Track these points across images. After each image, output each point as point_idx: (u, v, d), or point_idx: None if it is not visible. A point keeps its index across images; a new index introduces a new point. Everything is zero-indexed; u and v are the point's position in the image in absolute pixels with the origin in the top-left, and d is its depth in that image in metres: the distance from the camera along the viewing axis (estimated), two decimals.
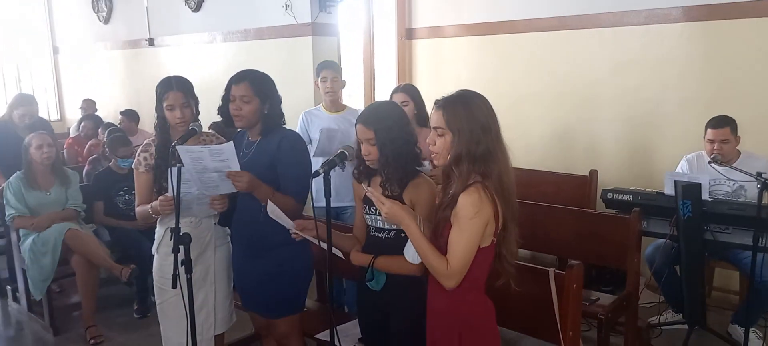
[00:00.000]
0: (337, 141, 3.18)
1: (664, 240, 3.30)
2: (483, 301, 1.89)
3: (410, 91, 3.40)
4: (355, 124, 2.09)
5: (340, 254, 2.11)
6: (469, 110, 1.75)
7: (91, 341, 3.72)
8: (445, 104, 1.78)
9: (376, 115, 2.07)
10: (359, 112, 3.64)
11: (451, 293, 1.81)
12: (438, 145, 1.79)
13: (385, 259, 2.02)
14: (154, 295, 3.94)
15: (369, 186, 1.99)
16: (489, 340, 1.90)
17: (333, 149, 3.18)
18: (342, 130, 3.38)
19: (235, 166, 2.22)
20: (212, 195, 2.36)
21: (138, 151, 2.63)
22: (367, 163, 2.08)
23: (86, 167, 4.90)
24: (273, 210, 2.07)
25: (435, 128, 1.79)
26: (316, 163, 3.30)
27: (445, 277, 1.76)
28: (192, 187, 2.34)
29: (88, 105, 6.72)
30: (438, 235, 1.82)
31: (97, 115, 6.26)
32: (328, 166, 1.95)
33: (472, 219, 1.70)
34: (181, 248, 2.13)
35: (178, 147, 2.19)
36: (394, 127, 2.03)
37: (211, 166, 2.20)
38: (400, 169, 2.01)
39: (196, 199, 2.40)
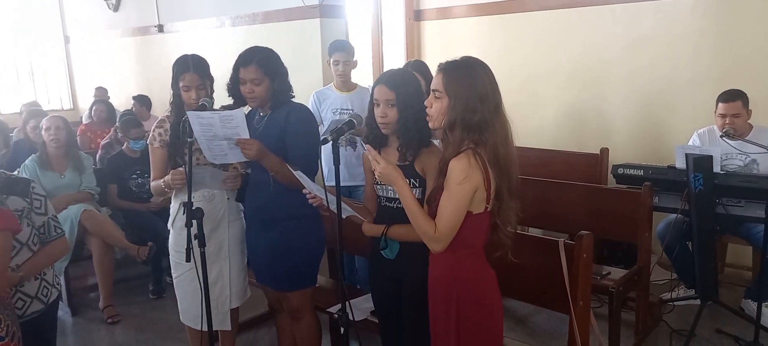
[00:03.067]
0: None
1: (676, 216, 3.29)
2: (481, 267, 1.89)
3: (420, 67, 3.39)
4: (374, 86, 2.09)
5: (358, 216, 2.09)
6: (469, 77, 1.75)
7: (109, 320, 3.79)
8: (447, 68, 1.78)
9: (398, 78, 2.08)
10: (367, 89, 3.63)
11: (449, 260, 1.84)
12: (434, 109, 1.80)
13: (397, 227, 2.03)
14: (168, 276, 4.05)
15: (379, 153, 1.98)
16: (487, 306, 1.90)
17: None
18: (352, 110, 3.38)
19: (245, 133, 2.23)
20: (227, 176, 2.35)
21: (153, 127, 2.66)
22: (381, 127, 2.07)
23: (99, 152, 4.96)
24: (301, 176, 2.07)
25: (433, 91, 1.80)
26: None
27: (432, 240, 1.79)
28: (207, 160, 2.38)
29: (101, 93, 6.79)
30: (431, 201, 1.83)
31: (108, 101, 6.32)
32: (337, 133, 1.95)
33: (460, 184, 1.71)
34: (194, 222, 2.17)
35: (188, 113, 2.21)
36: (415, 93, 2.05)
37: (220, 133, 2.22)
38: (418, 133, 2.00)
39: (210, 170, 2.42)
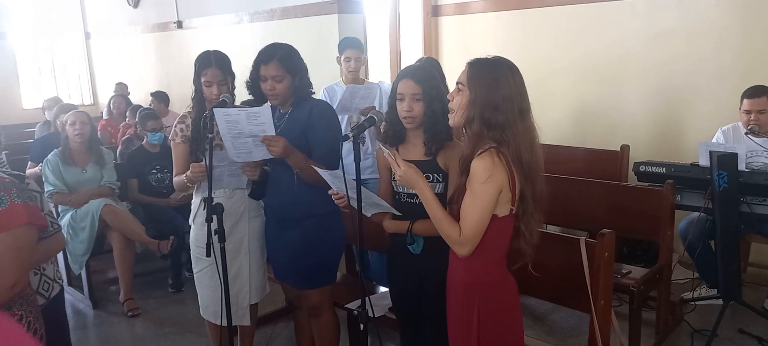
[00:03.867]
0: (358, 97, 3.18)
1: (698, 214, 3.24)
2: (502, 274, 1.84)
3: (433, 65, 3.38)
4: (397, 81, 2.08)
5: (389, 208, 2.06)
6: (494, 75, 1.71)
7: (129, 313, 3.84)
8: (475, 63, 1.76)
9: (423, 72, 2.08)
10: (377, 84, 3.59)
11: (470, 265, 1.79)
12: (455, 102, 1.77)
13: (422, 222, 2.01)
14: (188, 270, 4.09)
15: (395, 151, 1.96)
16: (507, 315, 1.85)
17: (353, 105, 3.19)
18: (361, 95, 3.35)
19: (271, 130, 2.22)
20: (244, 162, 2.36)
21: (175, 123, 2.68)
22: (405, 122, 2.06)
23: (120, 147, 5.02)
24: (327, 175, 2.06)
25: (458, 83, 1.77)
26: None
27: (457, 244, 1.73)
28: (224, 159, 2.38)
29: (121, 88, 6.90)
30: (453, 202, 1.79)
31: (125, 94, 6.42)
32: (358, 129, 1.95)
33: (484, 183, 1.66)
34: (214, 217, 2.17)
35: (214, 110, 2.20)
36: (439, 87, 2.07)
37: (246, 130, 2.20)
38: (445, 125, 1.98)
39: (228, 170, 2.42)
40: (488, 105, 1.69)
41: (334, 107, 3.25)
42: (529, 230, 1.77)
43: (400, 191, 2.14)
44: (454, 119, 1.80)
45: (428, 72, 2.10)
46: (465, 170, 1.73)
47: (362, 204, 1.97)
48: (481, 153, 1.70)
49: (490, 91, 1.69)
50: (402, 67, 5.59)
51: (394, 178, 2.13)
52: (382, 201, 2.03)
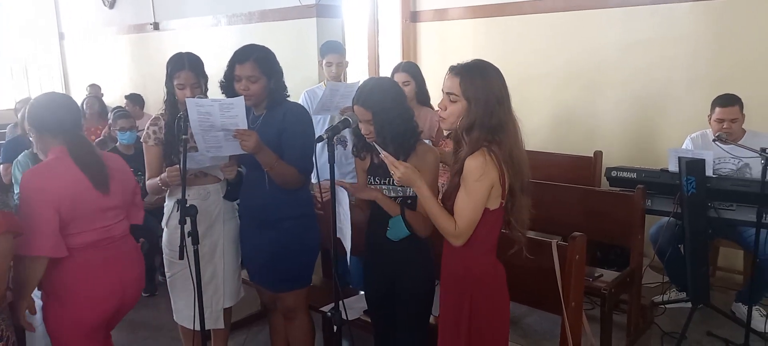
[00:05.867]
0: (339, 95, 3.18)
1: (668, 219, 3.31)
2: (493, 264, 1.95)
3: (411, 69, 3.40)
4: (353, 105, 2.10)
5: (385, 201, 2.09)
6: (485, 80, 1.79)
7: None
8: (462, 71, 1.81)
9: (372, 96, 2.07)
10: (357, 83, 3.61)
11: (465, 256, 1.90)
12: (449, 111, 1.83)
13: (411, 213, 2.08)
14: (161, 274, 4.03)
15: (380, 154, 1.98)
16: (498, 302, 1.97)
17: (333, 104, 3.19)
18: (342, 93, 3.35)
19: (244, 123, 2.19)
20: (216, 156, 2.33)
21: (147, 125, 2.64)
22: (368, 140, 2.11)
23: None
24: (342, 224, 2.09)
25: (448, 93, 1.83)
26: (317, 121, 3.30)
27: (453, 236, 1.86)
28: (200, 163, 2.35)
29: (94, 90, 6.77)
30: (447, 198, 1.90)
31: (99, 97, 6.31)
32: (332, 131, 1.96)
33: (477, 181, 1.78)
34: (188, 219, 2.15)
35: (186, 100, 2.18)
36: (392, 107, 2.06)
37: (219, 122, 2.18)
38: (398, 147, 2.04)
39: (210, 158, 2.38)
40: (486, 112, 1.78)
41: (315, 105, 3.26)
42: (518, 219, 1.92)
43: (378, 185, 2.15)
44: (446, 125, 1.88)
45: (379, 94, 2.08)
46: (459, 170, 1.81)
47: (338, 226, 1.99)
48: (473, 152, 1.78)
49: (486, 96, 1.77)
50: (379, 73, 5.67)
51: (371, 181, 2.14)
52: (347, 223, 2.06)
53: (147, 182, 2.64)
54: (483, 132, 1.78)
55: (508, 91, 1.85)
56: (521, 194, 1.88)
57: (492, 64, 1.86)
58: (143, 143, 2.63)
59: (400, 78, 3.29)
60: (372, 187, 2.12)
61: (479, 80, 1.79)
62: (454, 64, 1.85)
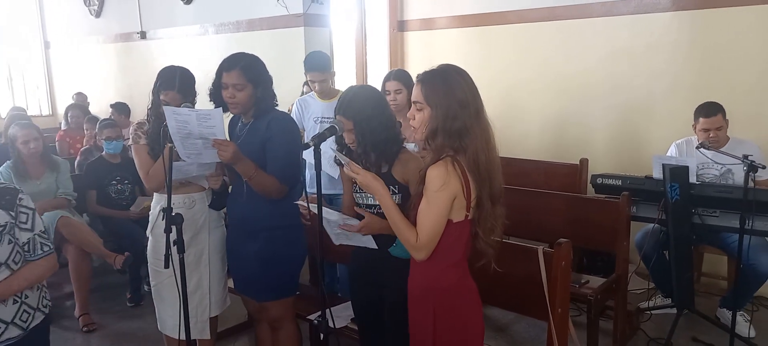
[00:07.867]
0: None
1: (653, 225, 3.34)
2: (461, 279, 1.86)
3: (403, 77, 3.40)
4: (334, 114, 2.10)
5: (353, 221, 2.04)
6: (447, 85, 1.74)
7: (84, 329, 3.72)
8: (424, 79, 1.78)
9: (353, 105, 2.07)
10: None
11: (428, 271, 1.83)
12: (417, 120, 1.79)
13: (378, 221, 2.02)
14: (147, 284, 3.99)
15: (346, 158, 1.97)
16: (466, 316, 1.87)
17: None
18: (334, 118, 3.36)
19: (221, 134, 2.19)
20: (196, 162, 2.32)
21: (132, 129, 2.64)
22: (352, 148, 2.11)
23: (78, 158, 4.89)
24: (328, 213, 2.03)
25: (414, 103, 1.79)
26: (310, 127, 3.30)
27: (414, 249, 1.78)
28: (187, 173, 2.34)
29: (80, 99, 6.72)
30: (411, 208, 1.83)
31: (84, 106, 6.26)
32: (319, 138, 1.95)
33: (438, 191, 1.71)
34: (174, 228, 2.14)
35: (164, 108, 2.18)
36: (373, 116, 2.05)
37: (196, 131, 2.18)
38: (380, 155, 2.04)
39: (197, 164, 2.37)
40: (448, 116, 1.72)
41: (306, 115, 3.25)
42: (487, 230, 1.81)
43: (361, 202, 2.15)
44: (415, 136, 1.83)
45: (360, 103, 2.07)
46: (422, 179, 1.76)
47: (334, 233, 1.98)
48: (436, 161, 1.73)
49: (446, 102, 1.72)
50: (367, 82, 5.68)
51: (356, 190, 2.14)
52: (349, 219, 2.03)
53: (149, 173, 2.58)
54: (446, 138, 1.72)
55: (478, 96, 1.77)
56: (491, 204, 1.79)
57: (460, 69, 1.79)
58: (133, 145, 2.61)
59: (391, 86, 3.29)
60: (373, 218, 2.04)
61: (440, 85, 1.73)
62: (420, 72, 1.82)
